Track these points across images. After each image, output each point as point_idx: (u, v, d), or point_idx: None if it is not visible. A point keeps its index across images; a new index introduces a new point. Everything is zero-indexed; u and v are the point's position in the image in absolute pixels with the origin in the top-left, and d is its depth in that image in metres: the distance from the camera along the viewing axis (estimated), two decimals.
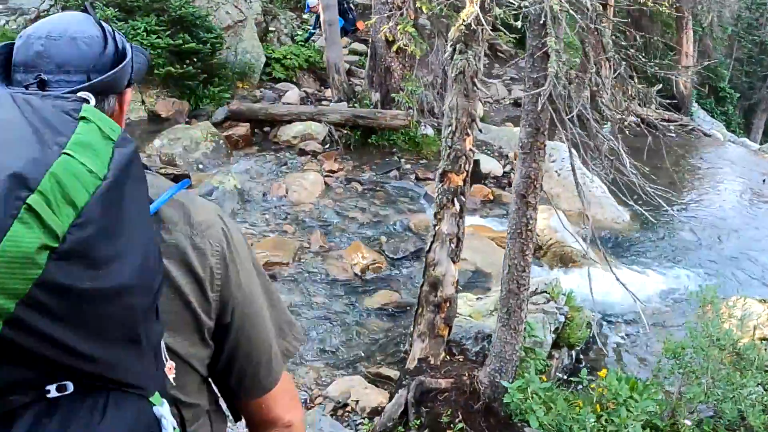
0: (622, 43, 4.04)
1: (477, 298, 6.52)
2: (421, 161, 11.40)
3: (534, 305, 6.22)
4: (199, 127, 11.43)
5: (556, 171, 10.33)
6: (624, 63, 3.84)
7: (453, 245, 5.26)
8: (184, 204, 1.42)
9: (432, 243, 5.33)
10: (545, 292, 6.44)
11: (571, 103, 3.69)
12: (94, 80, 1.30)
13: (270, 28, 15.59)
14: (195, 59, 12.73)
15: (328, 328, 6.84)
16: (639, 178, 4.00)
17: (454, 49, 4.87)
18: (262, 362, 1.56)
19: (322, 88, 14.53)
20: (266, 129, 12.38)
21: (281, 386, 1.64)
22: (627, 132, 4.41)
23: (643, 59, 4.10)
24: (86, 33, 1.34)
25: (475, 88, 4.92)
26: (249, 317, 1.50)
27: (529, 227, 4.42)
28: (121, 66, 1.34)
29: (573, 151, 4.30)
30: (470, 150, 5.13)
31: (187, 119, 12.60)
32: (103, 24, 1.38)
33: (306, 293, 7.48)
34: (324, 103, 13.35)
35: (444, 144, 5.16)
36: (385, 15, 10.21)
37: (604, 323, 7.13)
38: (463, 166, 5.13)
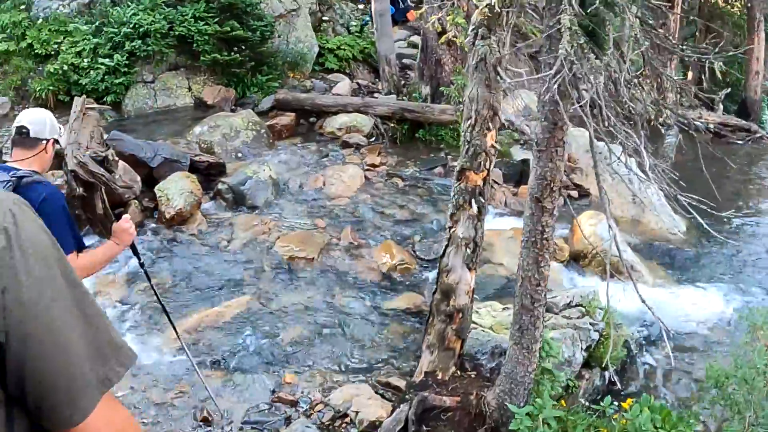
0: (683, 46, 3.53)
1: (503, 308, 5.98)
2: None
3: (566, 319, 5.70)
4: (240, 115, 11.18)
5: (610, 174, 9.68)
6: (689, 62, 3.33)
7: (469, 251, 4.77)
8: None
9: (446, 247, 4.86)
10: (581, 305, 5.89)
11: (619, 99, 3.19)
12: None
13: (324, 18, 15.29)
14: (243, 47, 12.53)
15: (343, 329, 6.44)
16: (672, 187, 3.47)
17: (476, 34, 4.38)
18: (60, 391, 1.27)
19: (376, 80, 14.15)
20: (312, 120, 12.10)
21: (97, 421, 1.33)
22: (692, 137, 3.95)
23: (711, 59, 3.54)
24: None
25: (498, 77, 4.42)
26: (35, 337, 1.23)
27: (545, 235, 3.91)
28: None
29: (597, 142, 3.74)
30: (492, 146, 4.63)
31: (233, 107, 12.42)
32: None
33: (326, 291, 7.09)
34: (376, 95, 12.94)
35: (462, 138, 4.68)
36: (436, 5, 9.72)
37: (645, 343, 6.52)
38: (483, 163, 4.64)
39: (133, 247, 4.27)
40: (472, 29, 4.41)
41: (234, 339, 6.23)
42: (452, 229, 4.81)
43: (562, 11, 3.03)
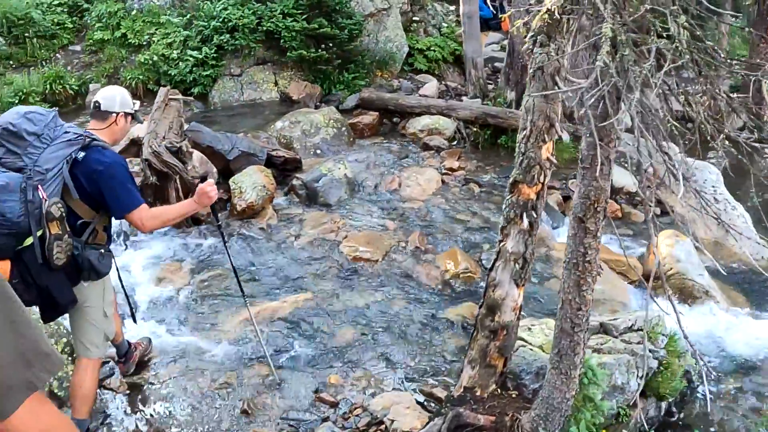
0: None
1: None
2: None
3: (625, 343, 5.42)
4: (321, 112, 11.21)
5: (695, 194, 9.24)
6: None
7: (518, 266, 4.58)
8: None
9: (495, 261, 4.67)
10: (642, 329, 5.59)
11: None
12: None
13: (415, 18, 15.20)
14: (331, 44, 12.57)
15: (397, 334, 6.32)
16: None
17: (535, 41, 4.20)
18: None
19: (465, 82, 13.96)
20: (395, 120, 12.06)
21: (22, 418, 1.46)
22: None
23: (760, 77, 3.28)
24: None
25: (556, 87, 4.21)
26: None
27: (588, 258, 3.70)
28: None
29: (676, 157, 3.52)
30: (547, 159, 4.43)
31: (317, 103, 12.50)
32: None
33: (385, 295, 6.99)
34: (463, 98, 12.77)
35: (517, 150, 4.49)
36: (523, 8, 9.49)
37: (710, 374, 6.14)
38: (536, 177, 4.44)
39: (213, 208, 4.80)
40: (531, 36, 4.22)
41: (287, 335, 6.21)
42: (502, 243, 4.62)
43: (603, 19, 2.84)
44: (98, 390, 5.11)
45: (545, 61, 4.15)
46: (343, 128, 11.10)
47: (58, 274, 3.82)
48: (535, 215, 4.54)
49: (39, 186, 3.66)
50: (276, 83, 13.00)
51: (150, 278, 7.12)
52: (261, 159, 9.39)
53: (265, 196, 8.56)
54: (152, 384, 5.45)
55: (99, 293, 4.26)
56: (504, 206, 4.63)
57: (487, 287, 4.73)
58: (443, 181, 9.80)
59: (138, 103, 4.56)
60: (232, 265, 5.65)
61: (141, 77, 12.71)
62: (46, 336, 1.47)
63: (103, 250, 4.13)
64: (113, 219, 4.27)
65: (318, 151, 10.58)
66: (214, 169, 8.94)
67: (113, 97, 4.30)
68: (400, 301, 6.90)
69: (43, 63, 13.74)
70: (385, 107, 11.99)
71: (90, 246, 4.05)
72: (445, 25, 15.86)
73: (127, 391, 5.33)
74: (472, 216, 8.90)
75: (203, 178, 4.54)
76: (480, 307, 4.81)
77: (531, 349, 5.19)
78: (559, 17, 3.99)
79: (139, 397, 5.30)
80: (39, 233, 3.62)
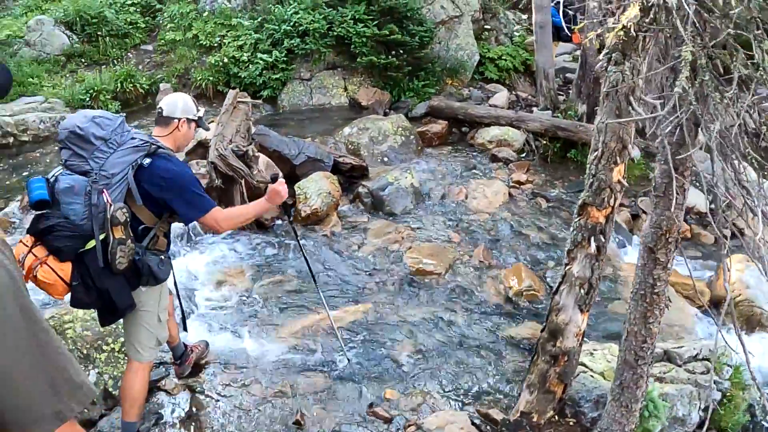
0: None
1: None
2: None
3: (688, 373, 5.21)
4: (390, 120, 11.12)
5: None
6: None
7: (583, 291, 4.43)
8: None
9: (559, 285, 4.53)
10: (707, 359, 5.38)
11: None
12: None
13: (487, 27, 15.02)
14: (401, 51, 12.52)
15: (456, 351, 6.20)
16: None
17: (609, 59, 4.04)
18: (10, 423, 1.35)
19: (537, 93, 13.75)
20: (464, 129, 11.92)
21: None
22: None
23: None
24: None
25: (630, 107, 4.06)
26: None
27: (656, 290, 3.54)
28: None
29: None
30: (618, 182, 4.27)
31: (386, 110, 12.43)
32: None
33: (447, 309, 6.88)
34: (533, 109, 12.56)
35: (587, 171, 4.34)
36: (597, 20, 9.27)
37: None
38: (606, 200, 4.28)
39: (284, 206, 5.12)
40: (606, 54, 4.07)
41: (350, 346, 6.16)
42: (568, 267, 4.48)
43: (683, 42, 2.70)
44: (153, 391, 5.16)
45: (619, 80, 4.00)
46: (411, 136, 11.01)
47: (118, 278, 3.86)
48: (603, 239, 4.38)
49: (104, 190, 3.71)
50: (345, 88, 12.99)
51: (211, 281, 7.16)
52: (327, 165, 9.37)
53: (330, 203, 8.54)
54: (206, 388, 5.46)
55: (156, 298, 4.28)
56: (572, 228, 4.48)
57: (551, 311, 4.59)
58: (510, 194, 9.64)
59: (202, 110, 4.57)
60: (307, 263, 5.91)
61: (211, 78, 12.84)
62: (77, 364, 1.44)
63: (163, 257, 4.17)
64: (178, 224, 4.30)
65: (385, 159, 10.51)
66: (280, 174, 8.94)
67: (175, 103, 4.33)
68: (461, 316, 6.78)
69: (115, 62, 14.03)
70: (455, 116, 11.86)
71: (150, 251, 4.08)
72: (517, 34, 15.64)
73: (182, 394, 5.35)
74: (538, 231, 8.72)
75: (274, 178, 4.56)
76: (542, 331, 4.67)
77: (592, 376, 5.02)
78: (635, 35, 3.83)
79: (193, 400, 5.31)
80: (101, 237, 3.69)
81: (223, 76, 12.88)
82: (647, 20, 3.58)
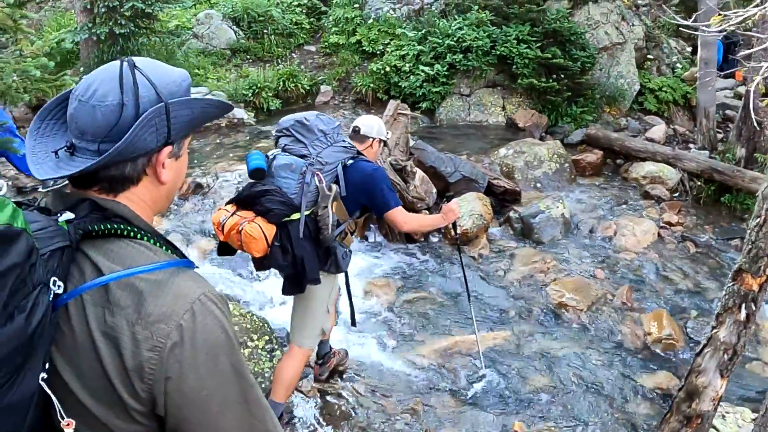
0: None
1: (753, 420, 5.46)
2: None
3: None
4: (546, 145, 11.20)
5: None
6: None
7: (726, 357, 4.45)
8: (142, 292, 1.40)
9: (704, 347, 4.56)
10: None
11: None
12: (104, 154, 1.44)
13: (649, 56, 14.75)
14: (562, 75, 12.53)
15: (589, 391, 6.24)
16: None
17: None
18: None
19: (695, 128, 13.45)
20: (619, 161, 11.87)
21: None
22: None
23: None
24: (106, 101, 1.46)
25: None
26: (190, 421, 1.45)
27: None
28: (124, 139, 1.43)
29: None
30: None
31: (542, 134, 12.51)
32: (127, 84, 1.48)
33: (584, 347, 6.93)
34: (690, 146, 12.32)
35: (747, 237, 4.37)
36: (765, 65, 9.03)
37: None
38: (763, 268, 4.29)
39: (455, 225, 5.79)
40: None
41: (479, 371, 6.32)
42: (715, 330, 4.51)
43: None
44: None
45: None
46: (566, 164, 11.05)
47: (314, 249, 4.32)
48: (754, 308, 4.39)
49: (318, 173, 4.25)
50: (503, 108, 13.14)
51: (357, 290, 7.40)
52: (481, 186, 9.54)
53: (480, 225, 8.71)
54: (341, 395, 5.69)
55: (329, 288, 4.65)
56: (723, 292, 4.51)
57: (691, 372, 4.63)
58: (659, 235, 9.53)
59: (390, 133, 5.06)
60: (465, 283, 6.28)
61: (371, 85, 13.24)
62: (275, 416, 1.60)
63: (347, 250, 4.58)
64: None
65: (538, 185, 10.60)
66: (434, 190, 9.17)
67: (372, 125, 4.93)
68: (597, 357, 6.81)
69: (279, 60, 14.62)
70: (610, 147, 11.80)
71: (339, 243, 4.53)
72: (679, 65, 15.26)
73: (317, 397, 5.59)
74: (684, 277, 8.60)
75: (449, 197, 5.09)
76: (679, 390, 4.72)
77: None
78: None
79: (327, 405, 5.55)
80: (307, 213, 4.20)
81: (384, 83, 13.25)
82: None
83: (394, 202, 4.48)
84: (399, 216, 4.50)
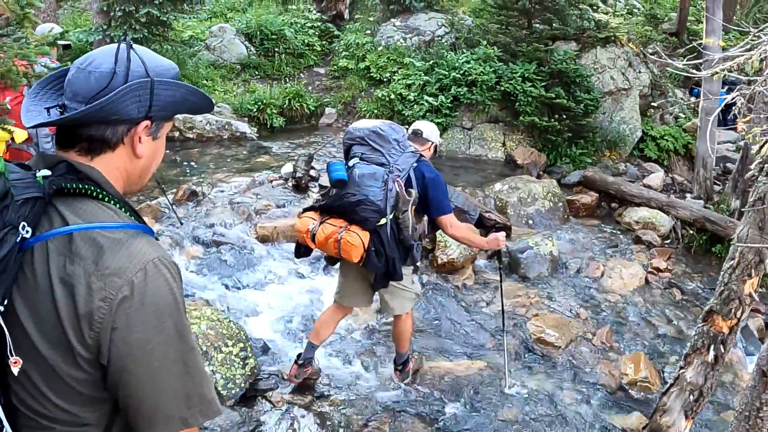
0: None
1: None
2: (761, 289, 9.94)
3: None
4: (542, 183, 11.22)
5: None
6: None
7: (692, 398, 4.44)
8: (102, 246, 1.54)
9: (670, 387, 4.56)
10: None
11: None
12: (88, 106, 1.59)
13: (653, 104, 14.84)
14: (564, 116, 12.58)
15: (551, 428, 6.18)
16: None
17: (761, 169, 4.09)
18: (142, 415, 1.60)
19: (693, 179, 13.46)
20: (613, 205, 11.86)
21: None
22: None
23: None
24: (101, 68, 1.64)
25: None
26: (129, 370, 1.55)
27: (761, 414, 3.54)
28: (108, 96, 1.58)
29: None
30: (749, 295, 4.27)
31: (540, 172, 12.52)
32: (122, 58, 1.65)
33: (557, 384, 6.87)
34: (687, 195, 12.34)
35: (720, 278, 4.37)
36: (764, 116, 9.09)
37: None
38: (734, 311, 4.29)
39: (498, 253, 6.53)
40: (758, 164, 4.12)
41: (452, 397, 6.30)
42: (682, 370, 4.50)
43: None
44: (259, 399, 5.69)
45: (767, 193, 4.03)
46: (560, 203, 11.06)
47: (400, 250, 4.85)
48: (723, 350, 4.38)
49: (397, 179, 4.72)
50: (504, 144, 13.17)
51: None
52: (473, 218, 9.57)
53: (467, 256, 8.72)
54: (308, 407, 5.74)
55: (408, 271, 5.29)
56: (694, 333, 4.51)
57: (656, 410, 4.63)
58: (647, 280, 9.49)
59: (442, 141, 5.45)
60: (502, 308, 6.89)
61: (375, 111, 13.33)
62: (211, 382, 1.73)
63: (419, 244, 5.15)
64: None
65: (530, 222, 10.61)
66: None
67: (432, 130, 5.56)
68: (571, 394, 6.75)
69: (287, 79, 14.75)
70: (606, 190, 11.81)
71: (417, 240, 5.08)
72: (683, 115, 15.33)
73: (284, 409, 5.67)
74: (667, 323, 8.56)
75: (499, 228, 5.47)
76: (643, 429, 4.70)
77: None
78: None
79: (294, 417, 5.59)
80: (391, 216, 4.69)
81: (388, 110, 13.33)
82: None
83: (449, 208, 5.08)
84: (452, 220, 5.11)
